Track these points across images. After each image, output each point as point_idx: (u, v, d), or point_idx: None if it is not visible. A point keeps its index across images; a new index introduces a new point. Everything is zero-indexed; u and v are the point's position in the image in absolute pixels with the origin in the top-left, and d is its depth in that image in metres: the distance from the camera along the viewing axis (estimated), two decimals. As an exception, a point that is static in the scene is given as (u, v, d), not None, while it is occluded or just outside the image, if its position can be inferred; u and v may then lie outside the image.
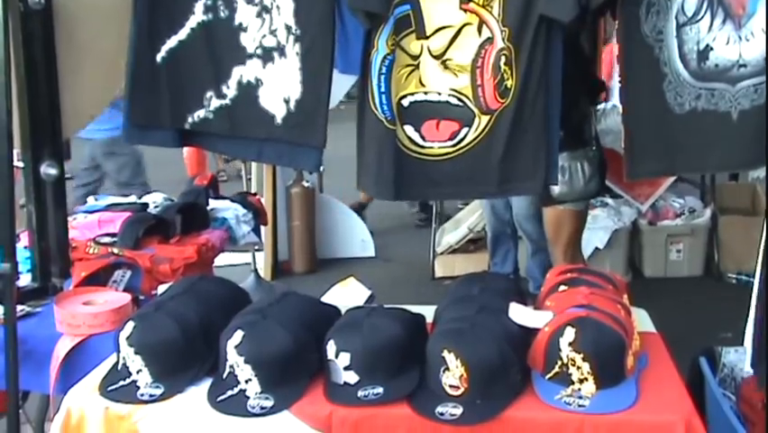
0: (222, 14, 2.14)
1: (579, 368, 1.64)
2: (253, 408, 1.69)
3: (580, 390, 1.64)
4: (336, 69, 2.12)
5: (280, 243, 5.09)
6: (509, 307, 1.81)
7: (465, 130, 2.03)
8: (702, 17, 1.87)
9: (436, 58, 2.02)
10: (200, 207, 3.23)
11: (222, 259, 3.29)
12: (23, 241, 2.49)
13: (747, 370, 1.76)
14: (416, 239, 5.57)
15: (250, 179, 5.31)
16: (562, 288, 1.91)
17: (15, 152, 2.20)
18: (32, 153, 2.34)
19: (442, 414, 1.62)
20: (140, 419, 1.72)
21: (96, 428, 1.74)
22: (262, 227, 4.16)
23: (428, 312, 1.97)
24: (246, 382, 1.72)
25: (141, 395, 1.75)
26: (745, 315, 1.88)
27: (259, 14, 2.11)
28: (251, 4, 2.11)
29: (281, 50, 2.10)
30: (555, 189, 2.97)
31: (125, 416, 1.73)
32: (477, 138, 2.03)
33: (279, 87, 2.12)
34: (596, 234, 4.50)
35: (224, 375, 1.75)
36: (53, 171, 2.35)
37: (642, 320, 2.03)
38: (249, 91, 2.15)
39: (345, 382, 1.70)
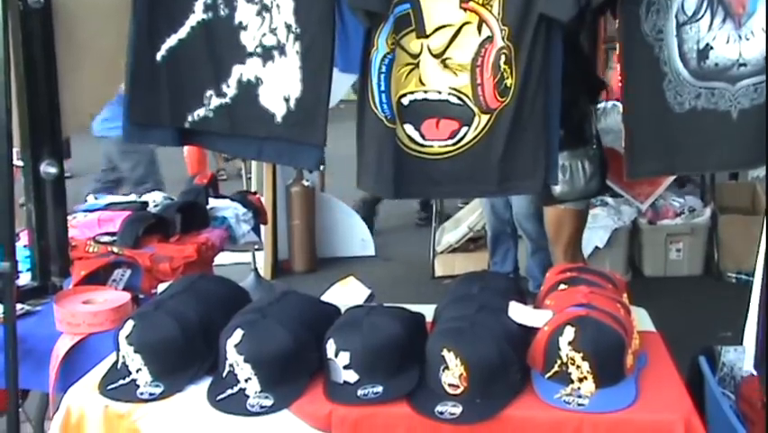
0: (222, 13, 2.14)
1: (578, 367, 1.64)
2: (253, 407, 1.69)
3: (579, 389, 1.64)
4: (336, 67, 2.12)
5: (280, 242, 5.09)
6: (509, 306, 1.81)
7: (465, 129, 2.03)
8: (702, 16, 1.86)
9: (436, 56, 2.02)
10: (200, 205, 3.23)
11: (222, 258, 3.29)
12: (23, 240, 2.50)
13: (747, 369, 1.76)
14: (415, 238, 5.58)
15: (250, 177, 5.32)
16: (562, 287, 1.91)
17: (15, 150, 2.20)
18: (31, 152, 2.34)
19: (441, 413, 1.62)
20: (139, 418, 1.72)
21: (96, 426, 1.74)
22: (262, 226, 4.16)
23: (428, 311, 1.97)
24: (246, 380, 1.72)
25: (141, 394, 1.75)
26: (744, 314, 1.88)
27: (259, 13, 2.11)
28: (251, 2, 2.11)
29: (281, 48, 2.10)
30: (557, 189, 2.97)
31: (125, 415, 1.73)
32: (477, 137, 2.03)
33: (279, 86, 2.12)
34: (596, 233, 4.50)
35: (224, 374, 1.75)
36: (53, 170, 2.35)
37: (641, 319, 2.03)
38: (249, 90, 2.15)
39: (345, 381, 1.70)
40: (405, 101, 2.05)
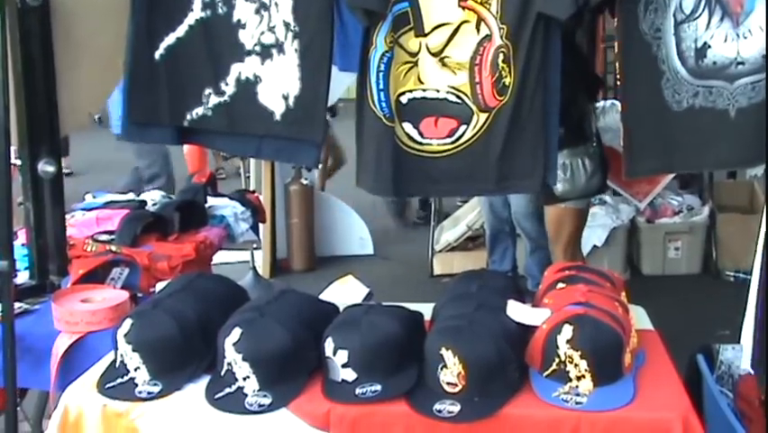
0: (220, 11, 2.13)
1: (576, 365, 1.64)
2: (251, 405, 1.69)
3: (577, 387, 1.64)
4: (335, 66, 2.12)
5: (279, 240, 5.09)
6: (507, 304, 1.81)
7: (463, 127, 2.03)
8: (700, 15, 1.86)
9: (435, 55, 2.02)
10: (198, 204, 3.23)
11: (220, 256, 3.29)
12: (21, 238, 2.49)
13: (745, 367, 1.76)
14: (414, 237, 5.58)
15: (248, 176, 5.32)
16: (560, 285, 1.91)
17: (13, 149, 2.20)
18: (29, 151, 2.33)
19: (440, 411, 1.62)
20: (138, 417, 1.72)
21: (94, 425, 1.74)
22: (261, 225, 4.15)
23: (426, 310, 1.96)
24: (244, 379, 1.72)
25: (139, 392, 1.75)
26: (742, 312, 1.88)
27: (257, 11, 2.11)
28: (250, 0, 2.11)
29: (280, 46, 2.10)
30: (558, 187, 2.97)
31: (123, 413, 1.73)
32: (475, 135, 2.03)
33: (278, 84, 2.12)
34: (594, 231, 4.50)
35: (222, 373, 1.75)
36: (51, 169, 2.34)
37: (640, 318, 2.03)
38: (247, 88, 2.14)
39: (343, 380, 1.70)
40: (403, 99, 2.05)
